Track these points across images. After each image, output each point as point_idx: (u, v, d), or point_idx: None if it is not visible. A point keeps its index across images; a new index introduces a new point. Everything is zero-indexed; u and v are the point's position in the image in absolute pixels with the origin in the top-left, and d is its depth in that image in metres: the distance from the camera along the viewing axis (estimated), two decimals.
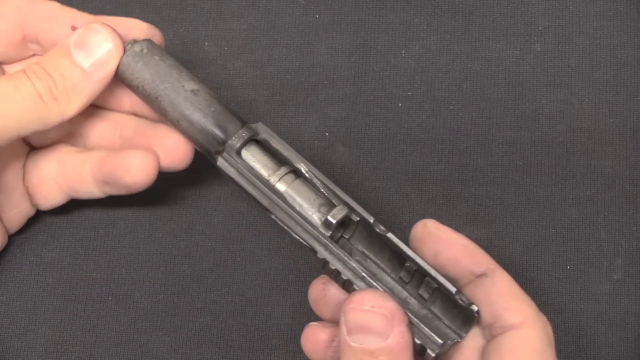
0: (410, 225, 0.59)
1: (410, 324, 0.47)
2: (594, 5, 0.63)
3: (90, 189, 0.56)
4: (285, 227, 0.50)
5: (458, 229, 0.59)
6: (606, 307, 0.57)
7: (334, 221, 0.49)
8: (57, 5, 0.54)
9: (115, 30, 0.52)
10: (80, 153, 0.55)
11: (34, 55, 0.55)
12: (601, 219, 0.59)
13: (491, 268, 0.48)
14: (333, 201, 0.50)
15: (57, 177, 0.56)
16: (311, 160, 0.60)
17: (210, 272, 0.58)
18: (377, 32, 0.63)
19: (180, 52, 0.62)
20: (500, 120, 0.61)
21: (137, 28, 0.53)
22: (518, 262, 0.58)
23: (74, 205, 0.58)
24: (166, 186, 0.59)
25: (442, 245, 0.49)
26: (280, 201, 0.49)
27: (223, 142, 0.51)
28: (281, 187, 0.50)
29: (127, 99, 0.55)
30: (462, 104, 0.61)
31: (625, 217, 0.59)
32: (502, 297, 0.47)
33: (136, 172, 0.53)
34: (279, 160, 0.51)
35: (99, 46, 0.51)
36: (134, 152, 0.53)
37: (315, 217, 0.49)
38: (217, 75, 0.62)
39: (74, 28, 0.53)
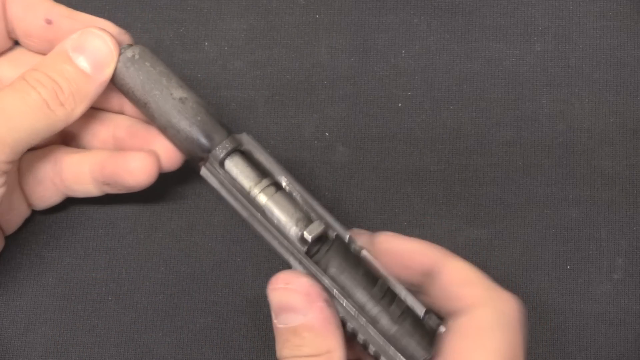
0: (411, 225, 0.59)
1: (332, 299, 0.48)
2: (594, 5, 0.63)
3: (88, 189, 0.56)
4: (264, 240, 0.50)
5: (458, 229, 0.59)
6: (606, 307, 0.57)
7: (309, 238, 0.49)
8: None
9: (110, 34, 0.52)
10: (77, 153, 0.56)
11: (15, 44, 0.55)
12: (601, 219, 0.59)
13: (438, 264, 0.48)
14: (312, 215, 0.50)
15: (54, 178, 0.56)
16: (311, 160, 0.60)
17: (211, 273, 0.58)
18: (377, 32, 0.63)
19: (180, 52, 0.62)
20: (500, 120, 0.61)
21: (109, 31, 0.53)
22: (518, 262, 0.58)
23: (74, 205, 0.59)
24: (166, 186, 0.59)
25: (390, 257, 0.49)
26: (259, 214, 0.50)
27: (208, 151, 0.51)
28: (261, 199, 0.50)
29: (116, 99, 0.55)
30: (462, 104, 0.61)
31: (625, 217, 0.59)
32: (452, 288, 0.47)
33: (138, 173, 0.53)
34: (261, 172, 0.51)
35: (98, 49, 0.51)
36: (136, 153, 0.54)
37: (292, 232, 0.50)
38: (217, 75, 0.62)
39: (48, 21, 0.53)
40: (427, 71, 0.62)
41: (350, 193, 0.60)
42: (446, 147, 0.61)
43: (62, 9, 0.53)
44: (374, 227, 0.59)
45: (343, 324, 0.48)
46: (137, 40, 0.63)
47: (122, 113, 0.56)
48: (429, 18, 0.63)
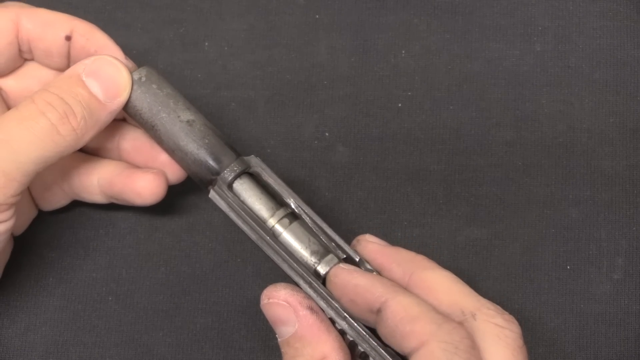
0: (411, 225, 0.59)
1: (316, 306, 0.48)
2: (594, 5, 0.63)
3: (96, 198, 0.56)
4: (274, 262, 0.50)
5: (458, 229, 0.59)
6: (606, 307, 0.57)
7: (322, 273, 0.49)
8: (49, 12, 0.53)
9: (123, 62, 0.51)
10: (86, 162, 0.55)
11: (25, 61, 0.55)
12: (601, 219, 0.59)
13: (383, 300, 0.46)
14: (325, 242, 0.50)
15: (62, 185, 0.56)
16: (311, 160, 0.60)
17: (211, 273, 0.58)
18: (377, 32, 0.63)
19: (180, 52, 0.62)
20: (500, 120, 0.61)
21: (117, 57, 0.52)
22: (518, 262, 0.58)
23: (74, 205, 0.58)
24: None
25: (339, 291, 0.49)
26: (268, 237, 0.50)
27: (216, 174, 0.51)
28: (277, 230, 0.50)
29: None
30: (462, 104, 0.61)
31: (625, 217, 0.59)
32: (398, 326, 0.45)
33: (146, 194, 0.54)
34: (272, 196, 0.51)
35: (112, 78, 0.50)
36: (143, 174, 0.54)
37: (304, 261, 0.50)
38: (217, 75, 0.62)
39: (68, 38, 0.52)
40: (427, 71, 0.62)
41: (350, 193, 0.60)
42: (446, 147, 0.61)
43: (81, 26, 0.52)
44: (374, 227, 0.59)
45: (353, 346, 0.48)
46: (137, 40, 0.63)
47: (124, 120, 0.56)
48: (429, 18, 0.63)
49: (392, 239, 0.59)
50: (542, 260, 0.58)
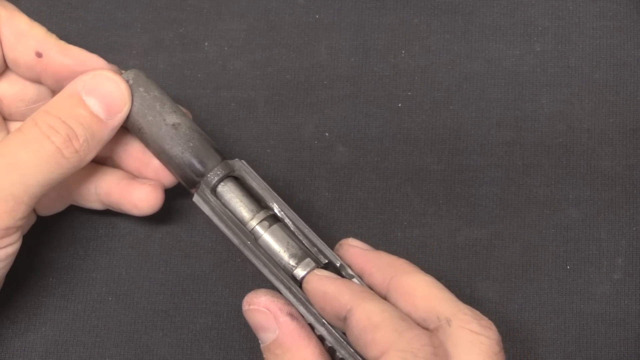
0: (411, 225, 0.59)
1: (296, 312, 0.48)
2: (594, 5, 0.63)
3: (94, 205, 0.56)
4: (255, 267, 0.50)
5: (458, 229, 0.59)
6: (606, 307, 0.57)
7: (299, 277, 0.49)
8: (26, 21, 0.52)
9: (121, 77, 0.51)
10: (84, 171, 0.55)
11: (7, 69, 0.54)
12: (601, 219, 0.59)
13: (348, 309, 0.46)
14: (306, 245, 0.50)
15: (60, 191, 0.56)
16: (311, 160, 0.60)
17: (211, 273, 0.58)
18: (377, 32, 0.63)
19: (180, 52, 0.62)
20: (500, 120, 0.61)
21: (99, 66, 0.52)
22: (518, 262, 0.58)
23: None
24: None
25: (311, 297, 0.48)
26: (249, 243, 0.50)
27: (201, 176, 0.51)
28: (257, 232, 0.50)
29: None
30: (462, 104, 0.61)
31: (625, 217, 0.59)
32: (361, 335, 0.45)
33: (143, 206, 0.54)
34: (255, 199, 0.51)
35: (111, 94, 0.50)
36: (141, 187, 0.54)
37: (283, 264, 0.50)
38: (217, 75, 0.62)
39: (38, 54, 0.51)
40: (427, 71, 0.62)
41: (350, 193, 0.60)
42: (446, 147, 0.61)
43: (53, 43, 0.51)
44: (374, 227, 0.59)
45: (332, 352, 0.48)
46: (137, 40, 0.63)
47: None
48: (429, 18, 0.63)
49: (392, 239, 0.59)
50: (542, 260, 0.58)
